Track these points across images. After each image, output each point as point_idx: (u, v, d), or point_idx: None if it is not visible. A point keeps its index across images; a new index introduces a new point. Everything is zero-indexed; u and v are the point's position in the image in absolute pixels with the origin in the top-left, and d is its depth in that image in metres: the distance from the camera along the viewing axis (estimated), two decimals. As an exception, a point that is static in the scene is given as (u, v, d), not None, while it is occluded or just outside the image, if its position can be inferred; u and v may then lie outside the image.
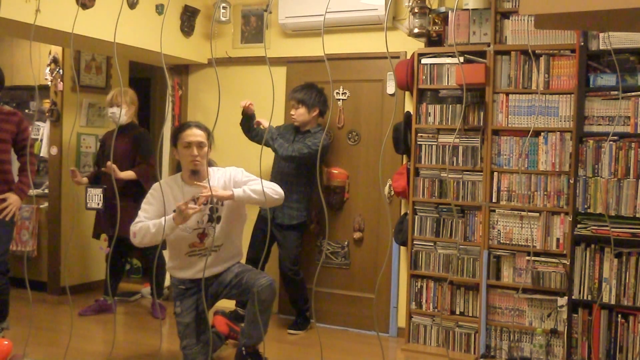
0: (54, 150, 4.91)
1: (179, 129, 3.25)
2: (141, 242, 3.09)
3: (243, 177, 3.26)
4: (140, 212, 3.17)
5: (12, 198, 3.65)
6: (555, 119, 3.60)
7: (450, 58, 3.83)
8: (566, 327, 3.42)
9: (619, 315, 3.33)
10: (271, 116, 4.13)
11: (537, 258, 3.62)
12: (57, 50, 4.88)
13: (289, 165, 4.06)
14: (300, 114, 4.07)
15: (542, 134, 3.61)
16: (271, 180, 3.82)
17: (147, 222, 3.09)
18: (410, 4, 3.88)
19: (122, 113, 4.26)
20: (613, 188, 3.31)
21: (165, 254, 4.96)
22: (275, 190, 3.23)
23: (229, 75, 4.70)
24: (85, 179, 4.38)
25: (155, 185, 3.30)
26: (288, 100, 4.18)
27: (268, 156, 4.27)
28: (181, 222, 3.01)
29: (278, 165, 4.15)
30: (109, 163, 3.97)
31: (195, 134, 3.17)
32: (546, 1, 1.45)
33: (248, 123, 4.14)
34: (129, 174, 4.17)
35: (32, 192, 4.86)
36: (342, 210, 4.36)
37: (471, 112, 3.80)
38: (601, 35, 3.32)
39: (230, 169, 3.31)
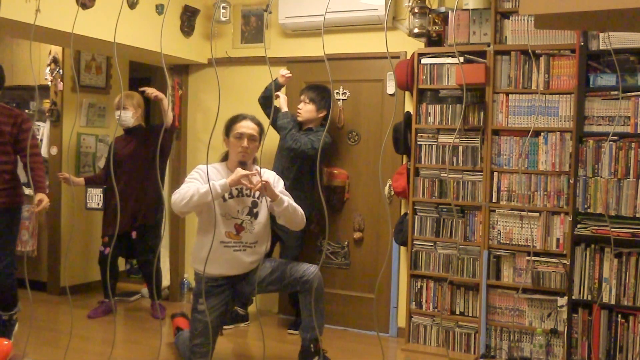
0: (54, 150, 4.92)
1: (234, 119, 3.29)
2: (184, 206, 3.04)
3: (280, 188, 3.28)
4: (183, 185, 3.15)
5: (45, 200, 3.66)
6: (555, 119, 3.60)
7: (450, 58, 3.83)
8: (566, 327, 3.42)
9: (619, 315, 3.33)
10: (271, 116, 4.12)
11: (537, 258, 3.62)
12: (57, 50, 4.88)
13: (291, 163, 4.05)
14: (308, 110, 4.06)
15: (542, 134, 3.61)
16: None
17: (194, 184, 3.08)
18: (410, 4, 3.87)
19: (129, 116, 4.32)
20: (613, 188, 3.31)
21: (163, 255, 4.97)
22: (303, 214, 3.27)
23: (229, 75, 4.70)
24: (81, 180, 4.41)
25: (202, 165, 3.28)
26: (299, 94, 4.18)
27: (267, 152, 4.27)
28: (235, 182, 3.03)
29: (280, 162, 4.13)
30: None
31: (249, 126, 3.23)
32: (546, 1, 1.45)
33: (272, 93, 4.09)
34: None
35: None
36: (342, 210, 4.36)
37: (471, 112, 3.80)
38: (601, 35, 3.32)
39: (274, 175, 3.35)
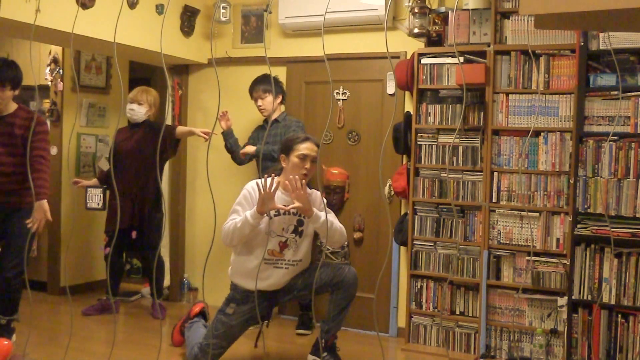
0: (54, 150, 4.91)
1: (296, 139, 3.30)
2: (231, 242, 3.15)
3: (320, 205, 3.32)
4: (230, 214, 3.19)
5: (36, 214, 3.49)
6: (555, 119, 3.60)
7: (450, 58, 3.83)
8: (566, 327, 3.42)
9: (619, 315, 3.33)
10: (271, 116, 4.13)
11: (537, 258, 3.62)
12: (57, 50, 4.88)
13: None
14: (268, 102, 4.13)
15: (542, 134, 3.61)
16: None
17: (235, 220, 3.13)
18: (410, 4, 3.87)
19: (142, 112, 4.35)
20: (613, 188, 3.31)
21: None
22: (343, 232, 3.28)
23: (229, 75, 4.70)
24: (94, 180, 4.43)
25: (250, 185, 3.28)
26: (251, 94, 4.21)
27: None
28: (261, 208, 3.03)
29: (266, 163, 4.03)
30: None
31: (312, 149, 3.26)
32: (546, 1, 1.45)
33: (229, 143, 4.23)
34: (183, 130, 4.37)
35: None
36: (342, 210, 4.36)
37: (471, 112, 3.80)
38: (601, 35, 3.32)
39: (318, 194, 3.38)
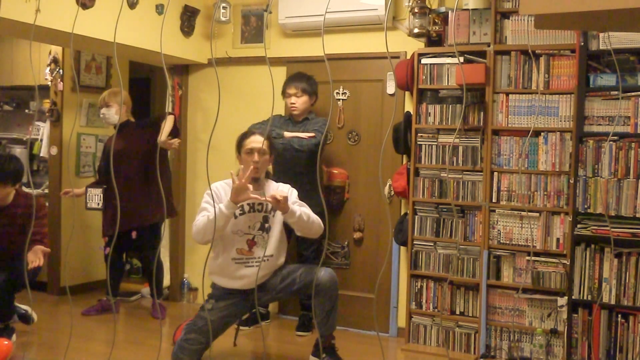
0: (54, 150, 4.92)
1: (244, 135, 3.34)
2: (204, 238, 3.12)
3: (293, 199, 3.30)
4: (199, 213, 3.20)
5: (32, 256, 3.63)
6: (555, 119, 3.60)
7: (450, 58, 3.83)
8: (566, 327, 3.42)
9: (619, 315, 3.33)
10: (271, 116, 4.13)
11: (537, 258, 3.62)
12: (57, 50, 4.88)
13: (299, 160, 3.99)
14: (303, 102, 4.07)
15: (542, 134, 3.62)
16: (279, 178, 3.74)
17: (205, 215, 3.13)
18: (410, 4, 3.88)
19: (112, 112, 4.29)
20: (613, 188, 3.31)
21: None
22: (320, 222, 3.26)
23: (229, 75, 4.70)
24: (82, 189, 4.42)
25: (213, 185, 3.28)
26: (286, 89, 4.13)
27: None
28: (235, 197, 3.02)
29: (285, 161, 3.99)
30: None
31: (258, 141, 3.25)
32: (546, 1, 1.45)
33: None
34: (166, 128, 4.19)
35: (33, 191, 4.86)
36: (342, 210, 4.36)
37: (471, 112, 3.80)
38: (601, 35, 3.32)
39: (287, 187, 3.37)
